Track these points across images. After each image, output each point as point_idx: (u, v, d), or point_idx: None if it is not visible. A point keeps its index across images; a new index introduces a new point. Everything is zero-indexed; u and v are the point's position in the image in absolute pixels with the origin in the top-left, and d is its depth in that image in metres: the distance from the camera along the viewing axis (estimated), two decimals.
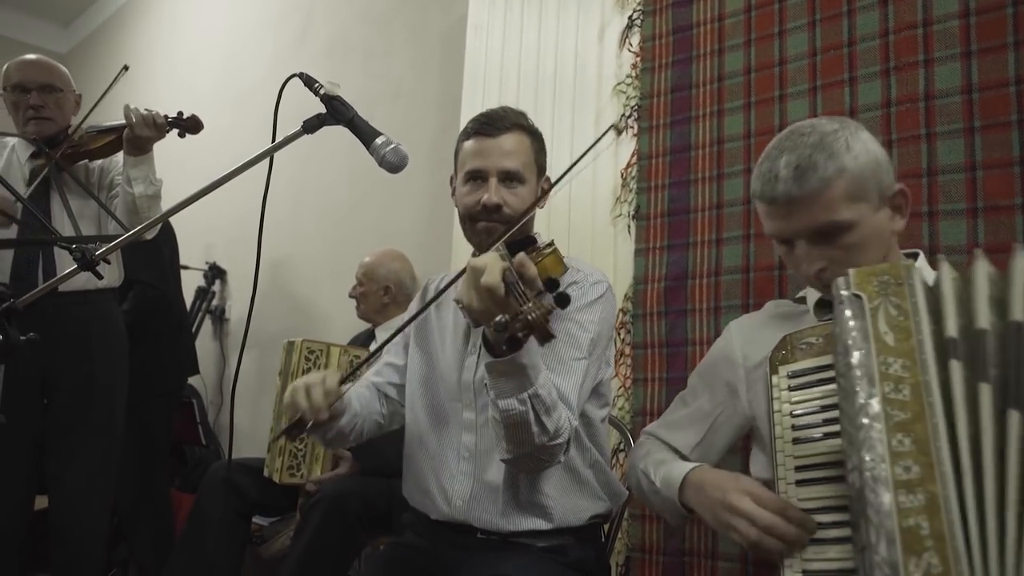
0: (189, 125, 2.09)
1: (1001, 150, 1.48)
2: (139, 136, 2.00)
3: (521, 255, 1.04)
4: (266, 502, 2.23)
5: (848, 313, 0.91)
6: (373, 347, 2.49)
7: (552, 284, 1.00)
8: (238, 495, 2.14)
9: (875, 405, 0.85)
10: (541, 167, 1.45)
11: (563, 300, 0.97)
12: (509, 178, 1.37)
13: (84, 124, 2.17)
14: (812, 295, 1.20)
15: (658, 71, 2.06)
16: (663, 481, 1.19)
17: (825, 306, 1.14)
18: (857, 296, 0.91)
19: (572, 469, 1.36)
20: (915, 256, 1.18)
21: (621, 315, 1.99)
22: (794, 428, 0.97)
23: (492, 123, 1.40)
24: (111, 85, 2.15)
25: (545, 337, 0.98)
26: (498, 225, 1.35)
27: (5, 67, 2.20)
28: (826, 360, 0.97)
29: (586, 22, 2.26)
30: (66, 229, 2.07)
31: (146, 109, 2.00)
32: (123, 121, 2.03)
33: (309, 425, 1.22)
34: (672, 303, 1.93)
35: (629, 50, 2.14)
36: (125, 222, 2.03)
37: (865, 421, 0.84)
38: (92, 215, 2.19)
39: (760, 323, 1.28)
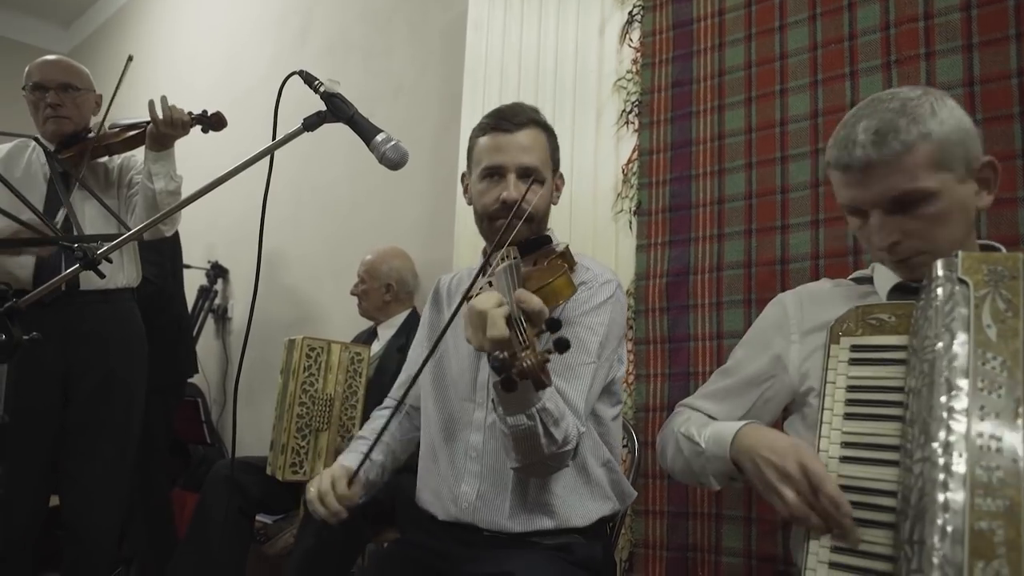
0: (213, 122, 2.13)
1: (1003, 143, 1.48)
2: (163, 132, 2.03)
3: (521, 292, 1.02)
4: (269, 500, 2.23)
5: (945, 296, 0.85)
6: (375, 345, 2.49)
7: (554, 325, 0.98)
8: (241, 493, 2.14)
9: (963, 399, 0.79)
10: (556, 163, 1.45)
11: (562, 346, 0.95)
12: (528, 175, 1.36)
13: (105, 121, 2.19)
14: (882, 277, 1.13)
15: (659, 66, 2.05)
16: (711, 439, 1.13)
17: (903, 292, 1.07)
18: (963, 281, 0.85)
19: (583, 468, 1.36)
20: (996, 250, 1.10)
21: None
22: (848, 403, 0.93)
23: (508, 118, 1.38)
24: (121, 78, 2.15)
25: (539, 385, 0.96)
26: (514, 221, 1.31)
27: (28, 67, 2.22)
28: (898, 340, 0.92)
29: (586, 18, 2.25)
30: (93, 228, 2.08)
31: (172, 105, 2.03)
32: (146, 117, 2.04)
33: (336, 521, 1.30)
34: (674, 299, 1.93)
35: (629, 46, 2.13)
36: (146, 217, 2.04)
37: (946, 414, 0.79)
38: (118, 212, 2.21)
39: (819, 297, 1.21)
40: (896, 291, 1.09)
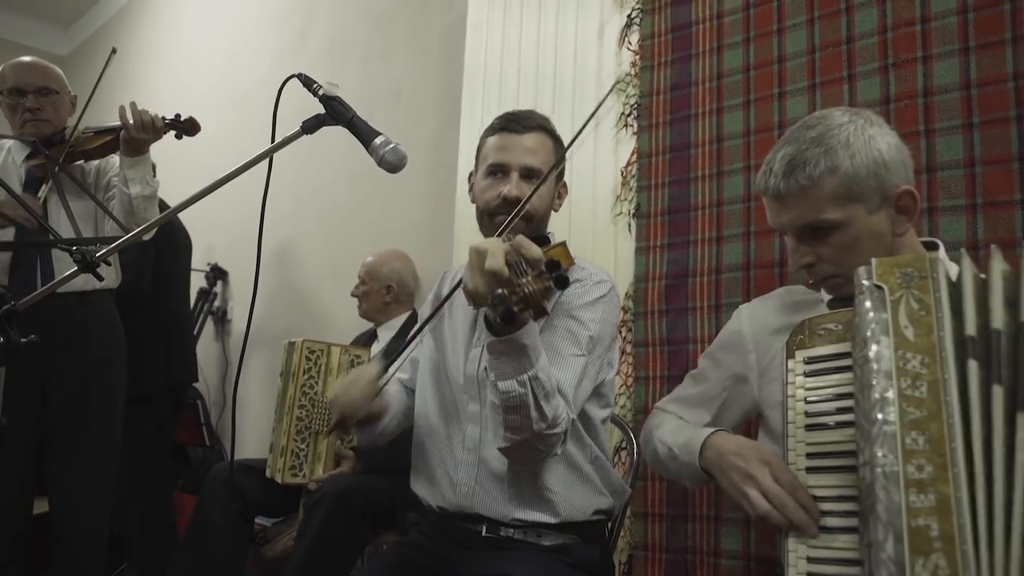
0: (186, 127, 2.09)
1: (1000, 146, 1.49)
2: (135, 137, 2.01)
3: (522, 236, 1.06)
4: (268, 503, 2.23)
5: (868, 304, 0.89)
6: (375, 347, 2.50)
7: (553, 265, 1.01)
8: (241, 496, 2.14)
9: (891, 400, 0.83)
10: (560, 171, 1.48)
11: (562, 281, 0.98)
12: (530, 175, 1.40)
13: (82, 122, 2.17)
14: None
15: (657, 69, 2.06)
16: (682, 446, 1.18)
17: (843, 299, 1.10)
18: (879, 287, 0.89)
19: (573, 464, 1.36)
20: (935, 247, 1.14)
21: (622, 313, 1.99)
22: (807, 415, 0.96)
23: (518, 120, 1.43)
24: (103, 71, 2.13)
25: (540, 312, 0.99)
26: (519, 222, 1.35)
27: (1, 69, 2.20)
28: (844, 348, 0.95)
29: (585, 21, 2.26)
30: (64, 230, 2.07)
31: (142, 110, 2.00)
32: (119, 123, 2.03)
33: (353, 423, 1.29)
34: (673, 301, 1.93)
35: (628, 48, 2.14)
36: (124, 222, 2.03)
37: (879, 416, 0.83)
38: (89, 215, 2.20)
39: (773, 309, 1.26)
40: (837, 299, 1.13)
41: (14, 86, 2.17)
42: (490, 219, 1.41)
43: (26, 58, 2.25)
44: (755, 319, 1.26)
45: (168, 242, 2.83)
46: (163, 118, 2.05)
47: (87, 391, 2.14)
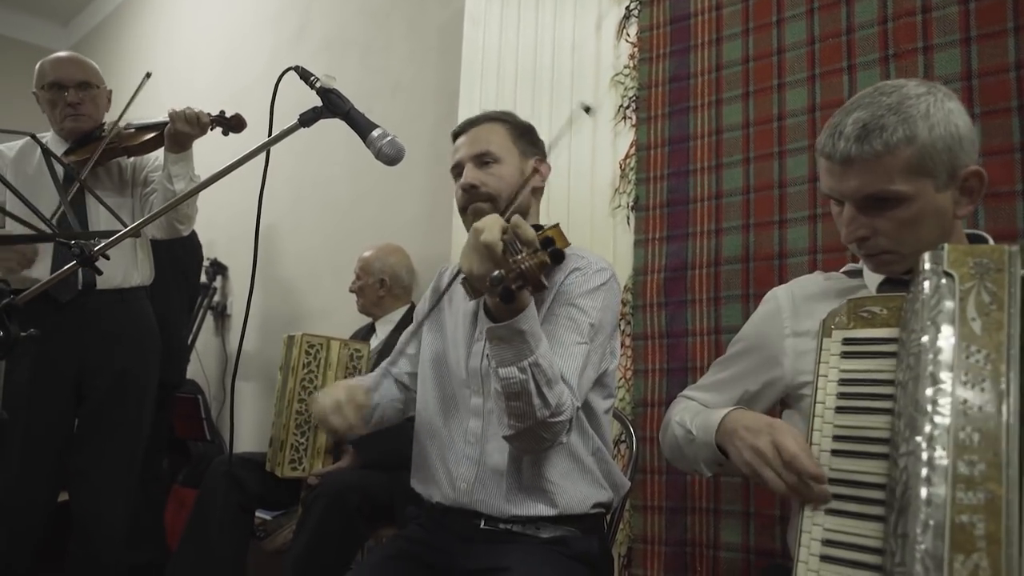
0: (233, 123, 2.14)
1: (1001, 136, 1.48)
2: (181, 133, 2.04)
3: (517, 217, 1.07)
4: (268, 496, 2.23)
5: (934, 289, 0.85)
6: (373, 341, 2.50)
7: (548, 242, 1.01)
8: (240, 489, 2.15)
9: (947, 393, 0.80)
10: (524, 150, 1.48)
11: (557, 256, 0.98)
12: (483, 161, 1.43)
13: (121, 121, 2.18)
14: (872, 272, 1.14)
15: (656, 61, 2.05)
16: (700, 427, 1.16)
17: (893, 284, 1.08)
18: (948, 274, 0.85)
19: (574, 455, 1.36)
20: (983, 241, 1.10)
21: (621, 306, 1.99)
22: (839, 396, 0.94)
23: (468, 122, 1.50)
24: (136, 92, 2.16)
25: (538, 286, 1.00)
26: (482, 205, 1.40)
27: (39, 65, 2.22)
28: (888, 333, 0.92)
29: (583, 13, 2.25)
30: (104, 226, 2.09)
31: (190, 108, 2.04)
32: (164, 119, 2.05)
33: (350, 439, 1.29)
34: (672, 294, 1.93)
35: (627, 40, 2.13)
36: (168, 217, 2.08)
37: (931, 407, 0.80)
38: (128, 211, 2.22)
39: (811, 295, 1.21)
40: (886, 284, 1.09)
41: (54, 80, 2.18)
42: (464, 215, 1.45)
43: (64, 53, 2.27)
44: (793, 299, 1.22)
45: (172, 245, 2.82)
46: (209, 114, 2.08)
47: (121, 388, 2.16)
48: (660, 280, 1.95)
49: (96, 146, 2.13)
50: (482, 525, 1.34)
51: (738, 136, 1.87)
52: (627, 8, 2.13)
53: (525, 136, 1.49)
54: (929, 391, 0.81)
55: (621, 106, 2.10)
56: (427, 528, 1.42)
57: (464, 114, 2.45)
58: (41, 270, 2.07)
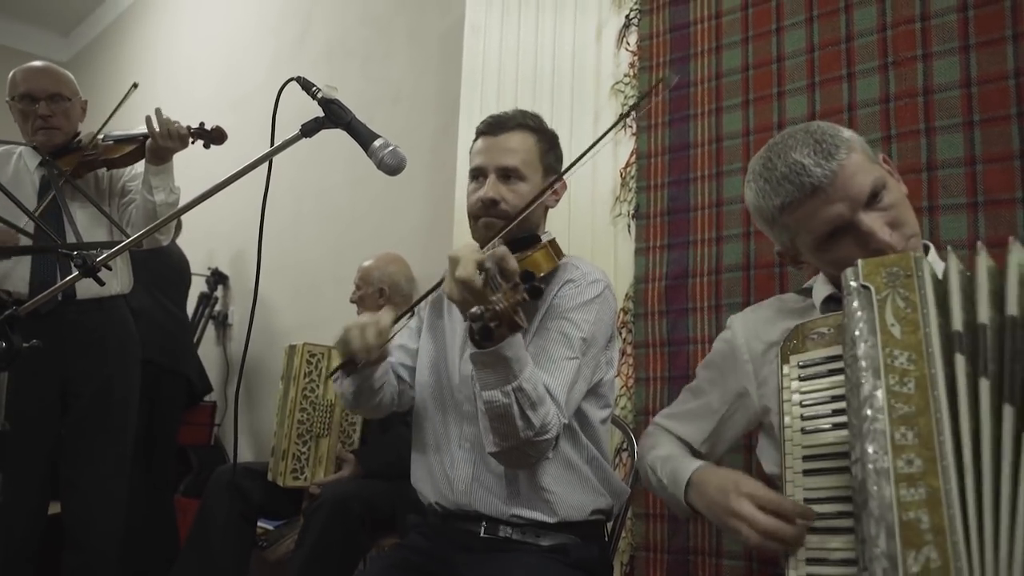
0: (213, 136, 2.12)
1: (1001, 144, 1.48)
2: (161, 146, 2.02)
3: (502, 248, 1.07)
4: (270, 505, 2.23)
5: (856, 304, 0.90)
6: None
7: (528, 276, 1.02)
8: (243, 499, 2.14)
9: (879, 397, 0.84)
10: (549, 166, 1.46)
11: (535, 292, 0.99)
12: (507, 175, 1.40)
13: (99, 134, 2.17)
14: (819, 290, 1.18)
15: (656, 70, 2.05)
16: (669, 478, 1.18)
17: (833, 303, 1.13)
18: (865, 287, 0.90)
19: (569, 464, 1.36)
20: (926, 249, 1.14)
21: (622, 314, 1.99)
22: (803, 418, 0.97)
23: (498, 122, 1.45)
24: (121, 102, 2.15)
25: (513, 327, 1.01)
26: (496, 220, 1.38)
27: (11, 75, 2.19)
28: (836, 351, 0.96)
29: (583, 22, 2.26)
30: (72, 238, 2.08)
31: (168, 119, 2.02)
32: (143, 131, 2.04)
33: (361, 364, 1.30)
34: (673, 302, 1.93)
35: (627, 49, 2.14)
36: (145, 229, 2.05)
37: (869, 413, 0.84)
38: (107, 222, 2.21)
39: (765, 318, 1.25)
40: (828, 302, 1.14)
41: (26, 92, 2.15)
42: (474, 222, 1.43)
43: (37, 63, 2.24)
44: (748, 328, 1.25)
45: (163, 257, 2.83)
46: (189, 127, 2.07)
47: (106, 395, 2.16)
48: (661, 288, 1.95)
49: (75, 157, 2.12)
50: (482, 532, 1.34)
51: (738, 144, 1.87)
52: (627, 17, 2.14)
53: (552, 151, 1.47)
54: (865, 398, 0.85)
55: (621, 114, 2.11)
56: (428, 537, 1.42)
57: (465, 123, 2.46)
58: (17, 280, 2.06)
